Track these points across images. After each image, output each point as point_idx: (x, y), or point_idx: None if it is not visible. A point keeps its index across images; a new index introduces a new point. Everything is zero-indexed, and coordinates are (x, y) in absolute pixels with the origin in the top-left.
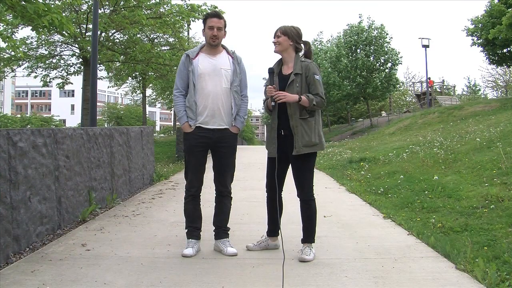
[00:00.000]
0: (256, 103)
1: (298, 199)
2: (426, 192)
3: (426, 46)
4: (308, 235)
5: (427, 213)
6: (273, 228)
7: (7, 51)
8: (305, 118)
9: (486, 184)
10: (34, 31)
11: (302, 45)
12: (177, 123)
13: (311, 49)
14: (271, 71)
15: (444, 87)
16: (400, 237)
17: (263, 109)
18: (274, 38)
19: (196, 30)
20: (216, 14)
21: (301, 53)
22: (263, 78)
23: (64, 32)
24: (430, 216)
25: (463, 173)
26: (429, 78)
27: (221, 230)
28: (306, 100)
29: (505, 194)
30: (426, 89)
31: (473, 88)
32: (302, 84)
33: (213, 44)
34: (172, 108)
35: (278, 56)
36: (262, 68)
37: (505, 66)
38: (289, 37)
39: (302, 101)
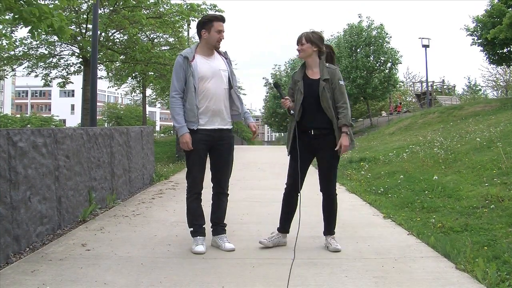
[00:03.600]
0: (256, 103)
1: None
2: (426, 192)
3: (426, 46)
4: (331, 228)
5: (427, 213)
6: (284, 225)
7: (6, 50)
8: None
9: (486, 184)
10: (31, 34)
11: (324, 48)
12: None
13: (334, 52)
14: (276, 85)
15: (445, 87)
16: (400, 237)
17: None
18: (298, 45)
19: (195, 30)
20: (223, 17)
21: (323, 56)
22: (263, 78)
23: (61, 36)
24: (430, 216)
25: (463, 173)
26: (400, 104)
27: (219, 226)
28: (347, 129)
29: (505, 194)
30: (426, 88)
31: (473, 88)
32: (331, 90)
33: (218, 47)
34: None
35: (281, 59)
36: (261, 68)
37: (505, 66)
38: (312, 43)
39: (349, 129)
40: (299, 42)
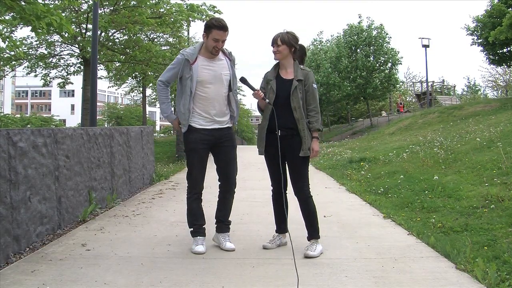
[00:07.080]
0: (256, 103)
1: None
2: (426, 192)
3: (426, 46)
4: (312, 232)
5: (427, 213)
6: (279, 225)
7: (7, 51)
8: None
9: (486, 184)
10: (34, 32)
11: (297, 48)
12: None
13: (305, 54)
14: (243, 80)
15: (444, 87)
16: (400, 237)
17: (257, 108)
18: (274, 46)
19: (196, 30)
20: (223, 27)
21: (296, 56)
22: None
23: (63, 33)
24: (430, 216)
25: (463, 173)
26: (402, 104)
27: (223, 224)
28: (318, 134)
29: (505, 194)
30: (426, 88)
31: (473, 88)
32: (303, 91)
33: (215, 55)
34: (173, 108)
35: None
36: (260, 69)
37: (505, 66)
38: (287, 44)
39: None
40: (274, 43)
